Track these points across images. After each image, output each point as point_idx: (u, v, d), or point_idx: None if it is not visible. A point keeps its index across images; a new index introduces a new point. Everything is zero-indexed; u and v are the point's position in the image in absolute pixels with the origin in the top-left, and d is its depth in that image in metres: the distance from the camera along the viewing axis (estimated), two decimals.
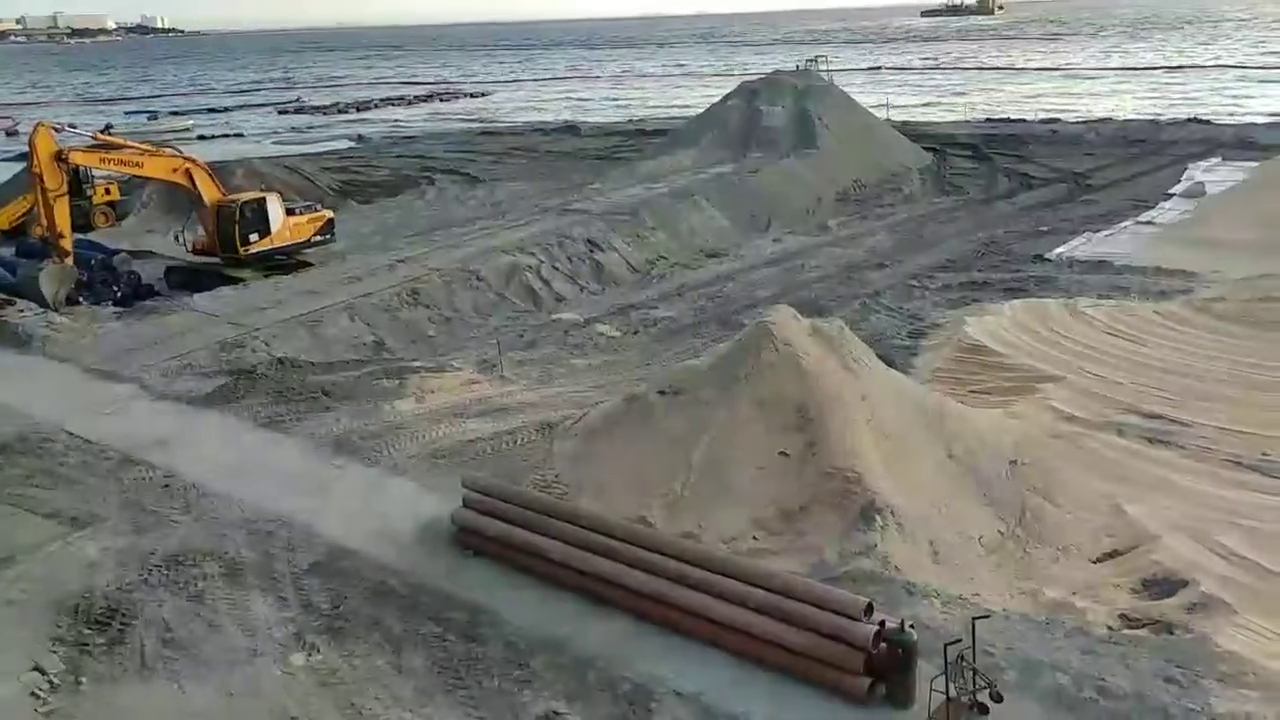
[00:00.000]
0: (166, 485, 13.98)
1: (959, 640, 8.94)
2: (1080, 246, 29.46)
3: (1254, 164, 38.77)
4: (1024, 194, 38.82)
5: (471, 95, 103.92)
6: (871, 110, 50.67)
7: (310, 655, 10.24)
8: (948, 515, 12.20)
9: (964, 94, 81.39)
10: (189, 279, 27.53)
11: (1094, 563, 12.02)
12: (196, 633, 10.66)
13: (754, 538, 11.81)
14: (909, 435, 13.11)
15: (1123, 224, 31.96)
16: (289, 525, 12.66)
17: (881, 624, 8.97)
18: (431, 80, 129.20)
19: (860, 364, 13.72)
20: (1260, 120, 54.21)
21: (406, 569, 11.63)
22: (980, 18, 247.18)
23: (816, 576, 10.50)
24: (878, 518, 11.51)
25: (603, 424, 14.39)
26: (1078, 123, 55.95)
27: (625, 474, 13.19)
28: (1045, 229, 32.32)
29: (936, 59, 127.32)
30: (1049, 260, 28.19)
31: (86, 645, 10.48)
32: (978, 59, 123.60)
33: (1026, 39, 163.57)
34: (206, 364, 19.81)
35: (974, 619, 9.29)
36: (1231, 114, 58.80)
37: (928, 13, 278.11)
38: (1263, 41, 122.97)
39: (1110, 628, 10.33)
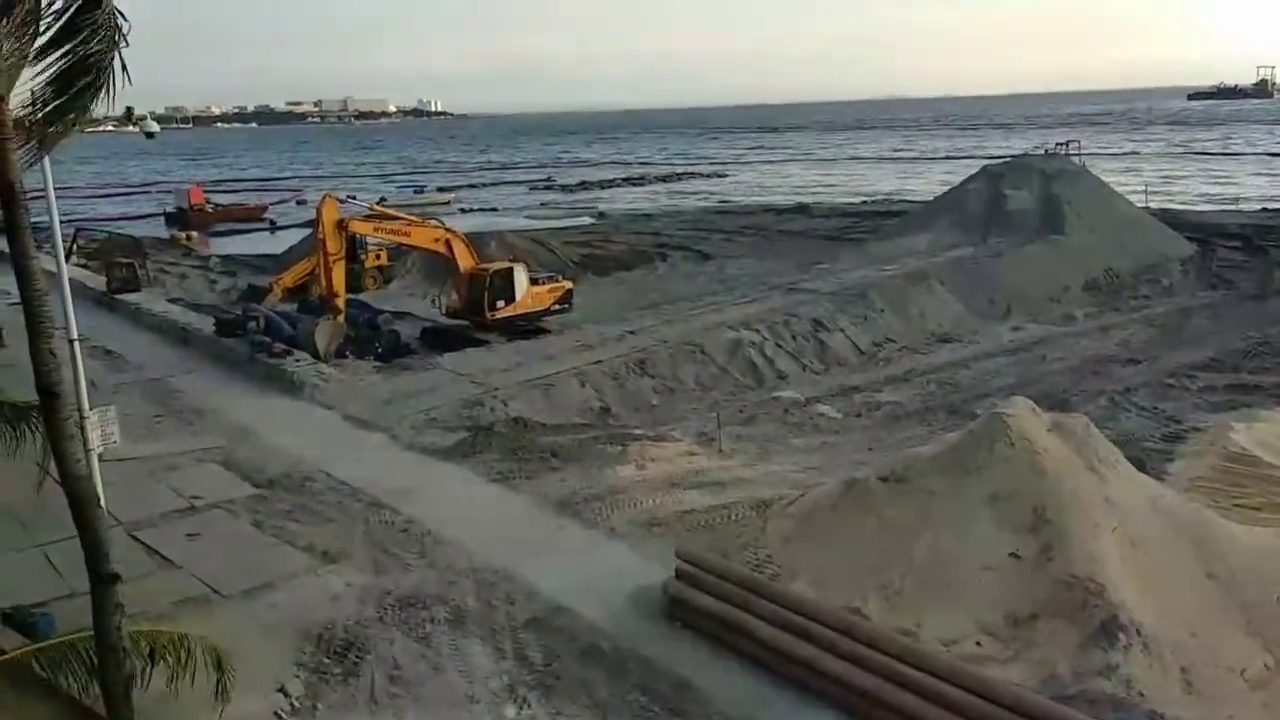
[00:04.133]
0: (406, 530, 14.99)
1: None
2: None
3: None
4: None
5: (707, 175, 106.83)
6: (1128, 197, 47.66)
7: (521, 709, 10.56)
8: (1204, 641, 10.95)
9: (1235, 182, 74.90)
10: (440, 339, 29.64)
11: None
12: (421, 673, 11.27)
13: (977, 643, 11.08)
14: (1161, 548, 11.95)
15: None
16: (510, 579, 13.21)
17: None
18: (673, 160, 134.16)
19: (1107, 465, 12.70)
20: None
21: (617, 633, 11.80)
22: (1258, 101, 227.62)
23: (1047, 694, 9.72)
24: (1121, 635, 10.52)
25: (820, 507, 14.08)
26: None
27: (840, 561, 12.80)
28: None
29: (1206, 144, 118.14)
30: None
31: (325, 673, 11.31)
32: (1255, 144, 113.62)
33: None
34: (449, 419, 21.15)
35: None
36: None
37: (1195, 95, 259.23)
38: None
39: None
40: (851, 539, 12.99)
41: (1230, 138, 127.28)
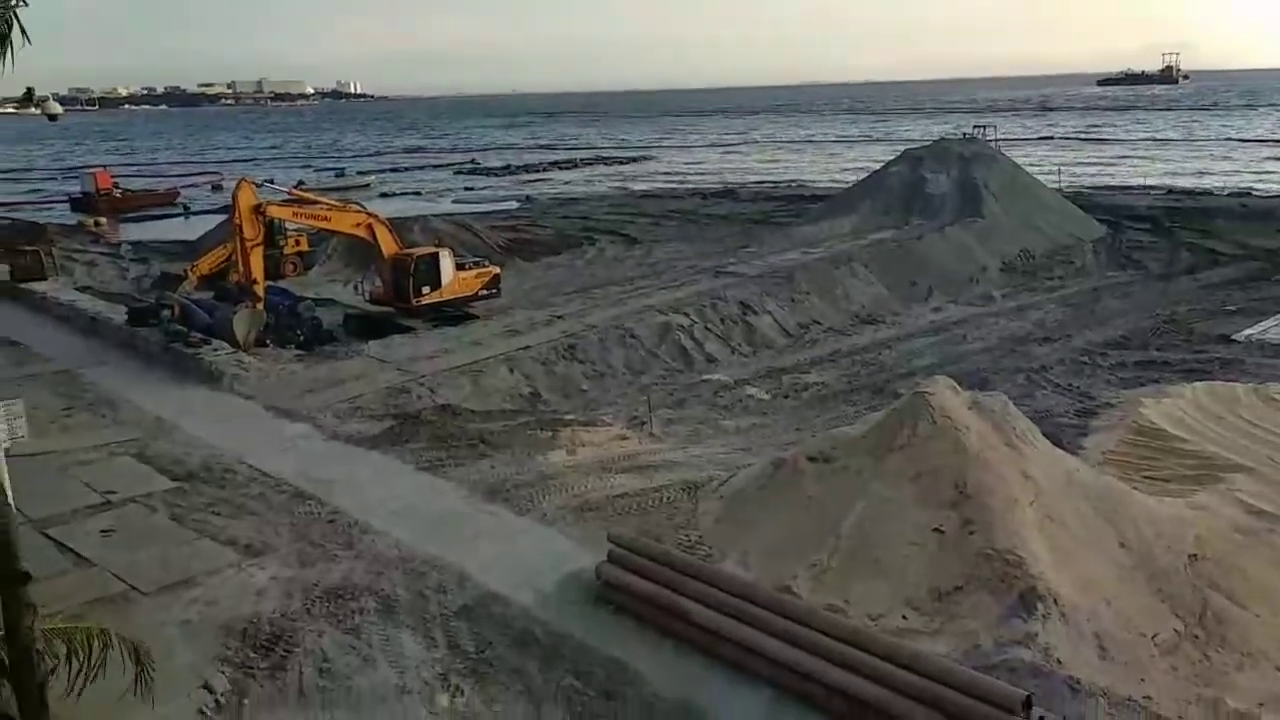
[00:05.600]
0: (332, 521, 14.72)
1: None
2: (1273, 329, 27.38)
3: None
4: (1209, 270, 36.54)
5: (634, 159, 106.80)
6: (1041, 180, 49.05)
7: (455, 697, 10.47)
8: (1118, 608, 11.38)
9: (1142, 165, 77.68)
10: (365, 326, 29.15)
11: None
12: (351, 665, 11.09)
13: (903, 616, 11.34)
14: (1077, 520, 12.37)
15: None
16: (441, 567, 13.07)
17: None
18: (597, 145, 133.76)
19: (1024, 441, 13.09)
20: None
21: (550, 619, 11.77)
22: (1163, 87, 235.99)
23: (970, 663, 9.99)
24: (1040, 605, 10.86)
25: (749, 487, 14.24)
26: (1271, 196, 52.42)
27: (770, 540, 12.97)
28: (1232, 308, 30.27)
29: (1114, 128, 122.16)
30: (1236, 341, 26.34)
31: (251, 669, 11.05)
32: (1160, 128, 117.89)
33: (1214, 109, 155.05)
34: (375, 407, 20.83)
35: None
36: None
37: (1105, 81, 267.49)
38: None
39: None
40: (781, 518, 13.16)
41: (1138, 122, 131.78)
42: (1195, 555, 12.46)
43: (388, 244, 29.58)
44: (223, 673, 10.94)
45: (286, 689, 10.73)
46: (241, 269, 27.27)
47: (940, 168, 44.48)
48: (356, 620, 11.94)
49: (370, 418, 19.99)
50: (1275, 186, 57.98)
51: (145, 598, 12.60)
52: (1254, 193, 54.72)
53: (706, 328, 28.59)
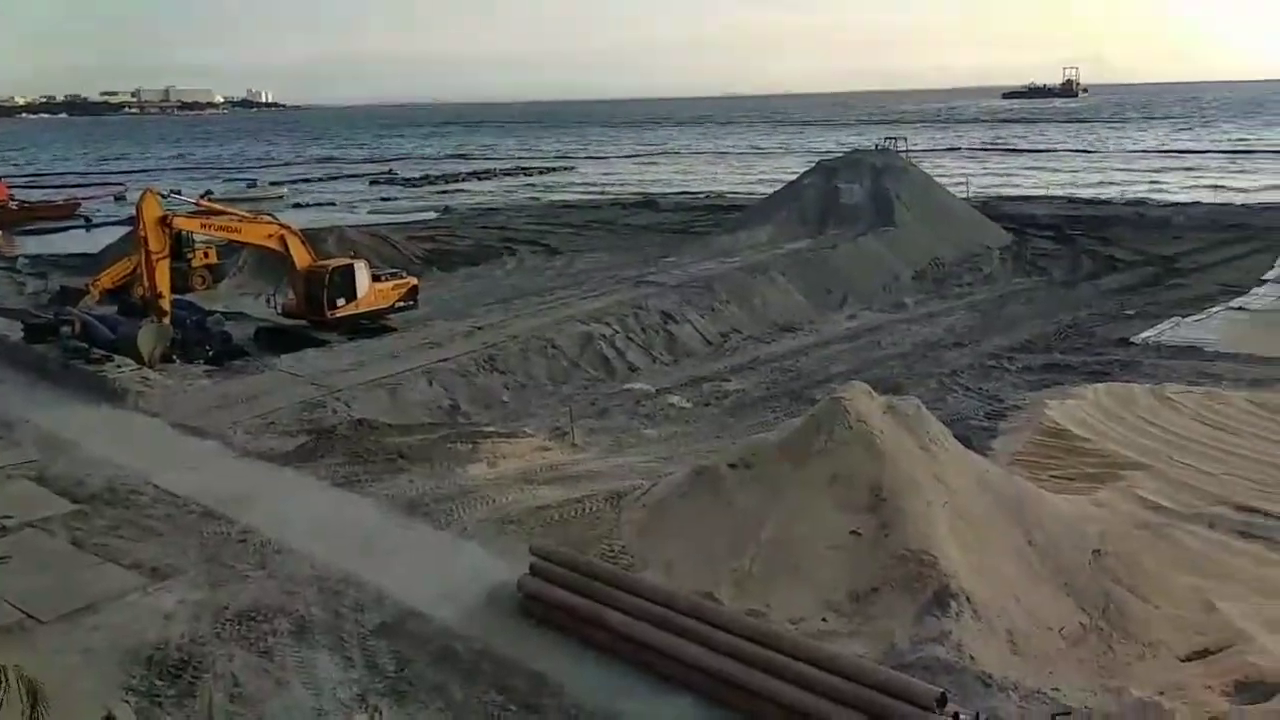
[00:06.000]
0: (243, 540, 14.29)
1: None
2: (1168, 331, 28.64)
3: None
4: (1108, 276, 38.05)
5: (553, 169, 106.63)
6: (951, 190, 50.50)
7: (373, 718, 10.25)
8: (1027, 604, 11.74)
9: (1045, 175, 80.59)
10: (277, 340, 28.44)
11: (1183, 661, 11.40)
12: (264, 689, 10.77)
13: (823, 619, 11.51)
14: (987, 519, 12.73)
15: (1213, 309, 31.02)
16: (358, 585, 12.80)
17: (955, 716, 8.64)
18: (515, 155, 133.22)
19: (937, 444, 13.43)
20: None
21: (471, 634, 11.62)
22: (1063, 100, 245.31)
23: (887, 663, 10.18)
24: (953, 603, 11.14)
25: (671, 496, 14.30)
26: (1165, 205, 54.90)
27: (693, 548, 13.04)
28: (1130, 313, 31.56)
29: (1018, 139, 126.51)
30: (1134, 344, 27.46)
31: (158, 696, 10.65)
32: (1061, 140, 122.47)
33: (1110, 122, 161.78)
34: (288, 423, 20.32)
35: (1054, 715, 8.91)
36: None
37: (1010, 94, 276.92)
38: None
39: None
40: (702, 526, 13.24)
41: (1041, 133, 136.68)
42: (1098, 551, 12.94)
43: (301, 256, 28.96)
44: (127, 701, 10.51)
45: (195, 716, 10.37)
46: (146, 283, 26.42)
47: (854, 178, 45.45)
48: (269, 642, 11.61)
49: (283, 434, 19.49)
50: (1168, 196, 60.69)
51: (44, 626, 12.04)
52: (1148, 201, 57.22)
53: (628, 337, 28.66)
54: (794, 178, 50.64)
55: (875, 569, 11.82)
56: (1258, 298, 32.31)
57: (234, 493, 15.98)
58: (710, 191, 74.29)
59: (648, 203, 66.64)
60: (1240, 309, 30.96)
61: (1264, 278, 35.17)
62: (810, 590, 11.88)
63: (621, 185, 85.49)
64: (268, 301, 31.27)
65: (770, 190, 55.55)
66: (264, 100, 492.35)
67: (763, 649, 10.08)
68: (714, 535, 12.97)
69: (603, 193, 78.14)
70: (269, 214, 34.04)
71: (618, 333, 28.57)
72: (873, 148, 52.75)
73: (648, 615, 10.98)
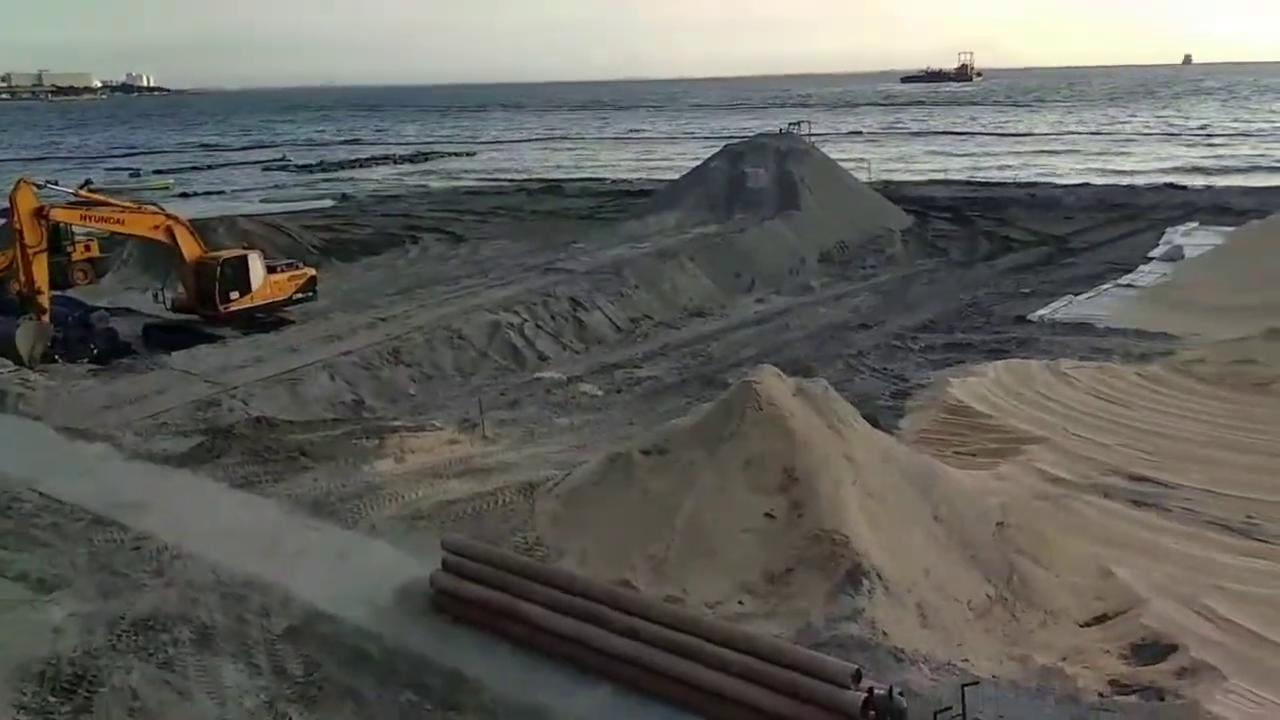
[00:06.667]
0: (138, 548, 13.63)
1: (949, 708, 8.75)
2: (1061, 308, 29.71)
3: (1230, 228, 39.50)
4: (1005, 256, 39.28)
5: (455, 155, 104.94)
6: (852, 173, 51.44)
7: None
8: (935, 578, 12.02)
9: (942, 159, 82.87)
10: (167, 337, 27.32)
11: (1083, 627, 11.84)
12: (165, 700, 10.30)
13: (739, 602, 11.58)
14: (896, 497, 12.98)
15: (1103, 286, 32.29)
16: (263, 589, 12.34)
17: (870, 691, 8.76)
18: (418, 139, 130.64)
19: (846, 424, 13.63)
20: (1235, 184, 55.51)
21: (383, 634, 11.32)
22: (958, 84, 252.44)
23: (803, 642, 10.28)
24: (865, 581, 11.33)
25: (585, 485, 14.19)
26: (1056, 186, 56.98)
27: (608, 536, 12.97)
28: (1026, 291, 32.63)
29: (916, 123, 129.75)
30: (1031, 322, 28.39)
31: (51, 714, 10.10)
32: (956, 123, 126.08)
33: (1003, 105, 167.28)
34: (182, 423, 19.52)
35: (963, 686, 9.10)
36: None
37: (908, 79, 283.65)
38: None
39: (1101, 694, 10.13)
40: (617, 513, 13.18)
41: (935, 117, 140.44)
42: (1002, 523, 13.34)
43: (190, 247, 27.80)
44: None
45: None
46: (23, 278, 25.07)
47: (759, 163, 45.85)
48: (170, 652, 11.10)
49: (177, 434, 18.69)
50: (1058, 178, 63.01)
51: None
52: (1040, 183, 59.32)
53: (537, 325, 28.36)
54: (699, 162, 50.87)
55: (789, 550, 11.94)
56: (1144, 275, 33.78)
57: (125, 498, 15.23)
58: (616, 177, 74.15)
59: (553, 188, 66.16)
60: (1129, 286, 32.32)
61: (1149, 255, 36.78)
62: (726, 573, 11.94)
63: (525, 171, 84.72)
64: (156, 296, 29.93)
65: (676, 175, 55.71)
66: (145, 84, 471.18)
67: (681, 634, 10.07)
68: (629, 522, 12.92)
69: (507, 179, 77.28)
70: (154, 204, 32.62)
71: (526, 321, 28.25)
72: (777, 132, 53.28)
73: (565, 606, 10.86)
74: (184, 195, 68.57)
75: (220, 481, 15.94)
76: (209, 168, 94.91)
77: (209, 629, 11.55)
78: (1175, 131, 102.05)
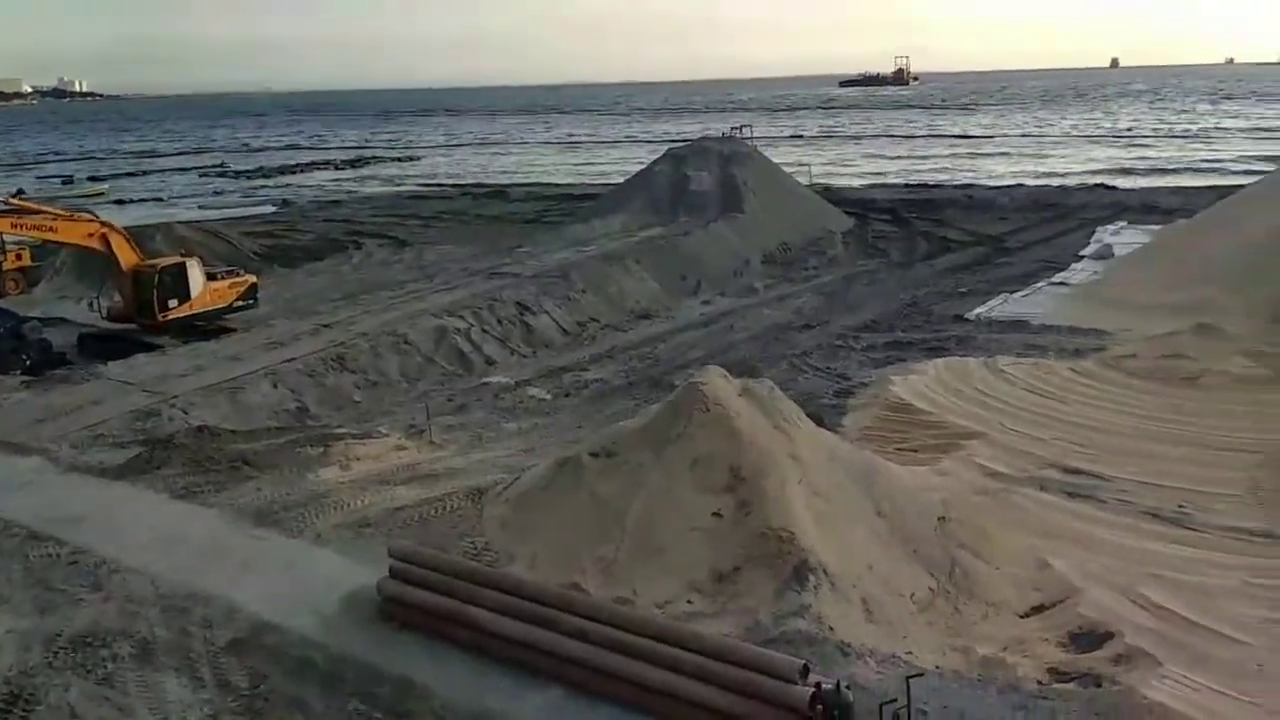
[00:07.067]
0: (75, 562, 13.31)
1: (894, 700, 8.92)
2: (998, 307, 30.38)
3: (1157, 227, 40.71)
4: (943, 257, 40.05)
5: (399, 160, 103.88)
6: (794, 176, 52.02)
7: None
8: (879, 573, 12.24)
9: (881, 160, 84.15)
10: (103, 346, 26.70)
11: (1022, 617, 12.14)
12: (105, 717, 10.08)
13: (688, 601, 11.67)
14: (840, 494, 13.19)
15: (1037, 285, 33.08)
16: (206, 601, 12.13)
17: (818, 686, 8.90)
18: (358, 144, 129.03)
19: (791, 423, 13.81)
20: (1162, 184, 57.26)
21: (330, 643, 11.20)
22: (896, 88, 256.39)
23: (752, 639, 10.41)
24: (811, 577, 11.50)
25: (534, 488, 14.19)
26: (991, 188, 58.19)
27: (557, 539, 12.99)
28: (964, 290, 33.31)
29: (855, 126, 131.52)
30: (968, 320, 28.99)
31: None
32: (893, 126, 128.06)
33: (939, 109, 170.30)
34: (119, 434, 19.11)
35: (908, 678, 9.29)
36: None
37: (846, 83, 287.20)
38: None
39: (1040, 683, 10.41)
40: (567, 516, 13.20)
41: (872, 120, 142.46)
42: (943, 518, 13.62)
43: (126, 255, 27.22)
44: None
45: None
46: None
47: (703, 166, 46.17)
48: (109, 668, 10.87)
49: (115, 445, 18.29)
50: (992, 180, 64.37)
51: None
52: (975, 185, 60.56)
53: (484, 330, 28.24)
54: (641, 166, 51.03)
55: (737, 548, 12.07)
56: (1076, 273, 34.66)
57: (62, 512, 14.85)
58: (560, 181, 74.05)
59: (498, 193, 65.87)
60: (1061, 284, 33.15)
61: (1080, 254, 37.75)
62: (675, 573, 12.04)
63: (470, 175, 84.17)
64: (91, 305, 29.23)
65: (619, 179, 55.83)
66: (78, 89, 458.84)
67: (630, 635, 10.13)
68: (578, 525, 12.95)
69: (450, 183, 76.73)
70: (89, 211, 31.84)
71: (473, 326, 28.12)
72: (720, 136, 53.67)
73: (514, 610, 10.85)
74: (119, 202, 66.97)
75: (160, 493, 15.63)
76: (144, 174, 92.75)
77: (150, 643, 11.33)
78: (1104, 133, 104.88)
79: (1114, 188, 56.42)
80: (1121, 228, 42.75)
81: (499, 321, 28.86)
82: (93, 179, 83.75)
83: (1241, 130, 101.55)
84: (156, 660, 11.02)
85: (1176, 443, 17.98)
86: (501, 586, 11.22)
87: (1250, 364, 21.96)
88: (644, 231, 40.62)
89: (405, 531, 13.82)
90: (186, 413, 20.52)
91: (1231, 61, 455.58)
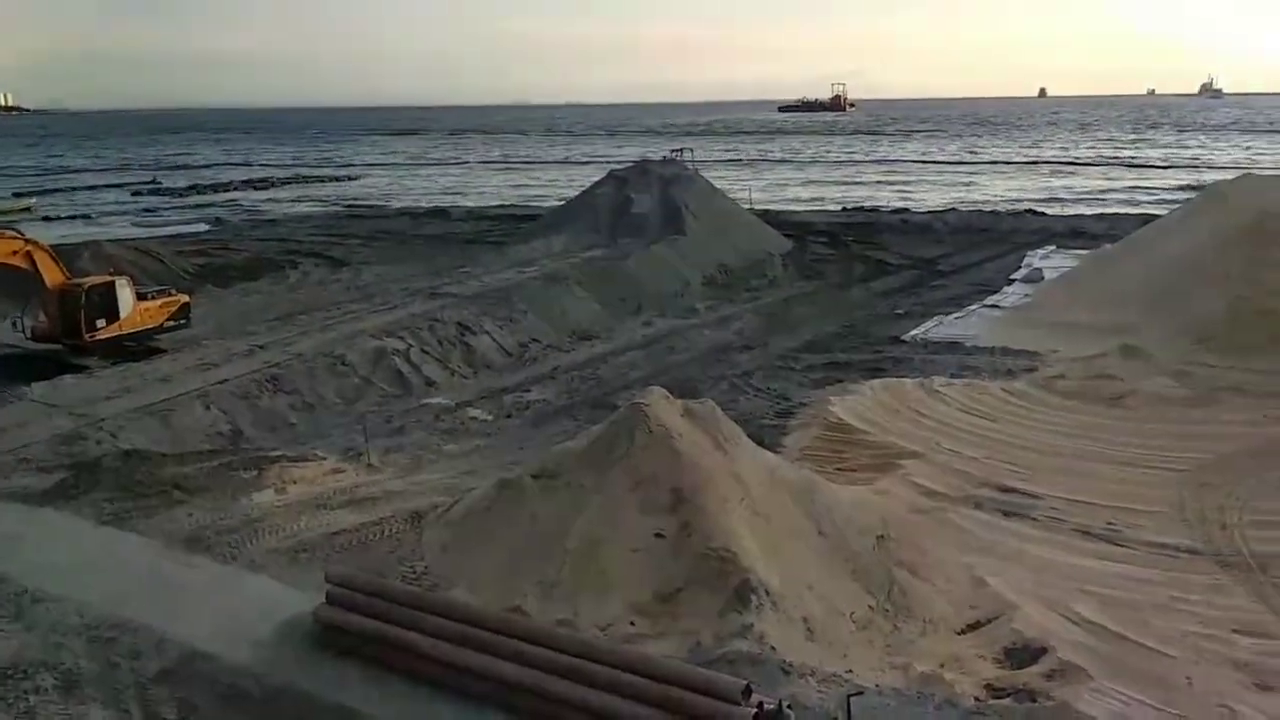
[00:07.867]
0: None
1: (835, 719, 8.99)
2: (933, 329, 31.00)
3: (1084, 251, 42.01)
4: (879, 279, 40.76)
5: (335, 179, 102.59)
6: (734, 198, 52.59)
7: None
8: (820, 592, 12.36)
9: (819, 185, 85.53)
10: (27, 367, 25.80)
11: (959, 634, 12.35)
12: None
13: (631, 623, 11.65)
14: (781, 514, 13.30)
15: (971, 308, 33.83)
16: (134, 631, 11.76)
17: (760, 706, 8.93)
18: (295, 163, 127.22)
19: (732, 444, 13.91)
20: (1088, 211, 59.15)
21: (265, 671, 10.93)
22: (833, 114, 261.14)
23: (694, 660, 10.42)
24: (753, 597, 11.56)
25: (475, 511, 14.07)
26: (925, 212, 59.46)
27: (498, 562, 12.89)
28: (900, 312, 33.93)
29: (793, 151, 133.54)
30: (905, 341, 29.52)
31: None
32: (830, 151, 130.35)
33: (875, 135, 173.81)
34: (44, 458, 18.46)
35: (848, 696, 9.39)
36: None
37: (785, 108, 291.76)
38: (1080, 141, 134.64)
39: (977, 699, 10.58)
40: (508, 539, 13.11)
41: (809, 145, 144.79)
42: (881, 536, 13.81)
43: (52, 273, 26.39)
44: None
45: None
46: None
47: (644, 188, 46.44)
48: (31, 701, 10.48)
49: (38, 470, 17.66)
50: (926, 205, 65.80)
51: None
52: (910, 209, 61.86)
53: (424, 350, 27.93)
54: (582, 188, 51.14)
55: (679, 569, 12.10)
56: (1007, 296, 35.54)
57: None
58: (501, 202, 73.83)
59: (438, 212, 65.36)
60: (994, 306, 33.96)
61: (1011, 277, 38.73)
62: (617, 595, 12.01)
63: (410, 194, 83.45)
64: (15, 325, 28.26)
65: (559, 200, 55.86)
66: (2, 103, 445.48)
67: (572, 658, 10.06)
68: (519, 548, 12.87)
69: (390, 202, 75.99)
70: (13, 229, 30.83)
71: (412, 346, 27.79)
72: (661, 159, 54.07)
73: (454, 635, 10.72)
74: (46, 219, 64.96)
75: (87, 519, 15.15)
76: (72, 190, 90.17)
77: (75, 675, 10.95)
78: (1032, 160, 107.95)
79: (1043, 213, 58.06)
80: (1050, 252, 43.98)
81: (439, 342, 28.58)
82: (18, 194, 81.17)
83: (1161, 160, 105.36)
84: (81, 692, 10.66)
85: (1105, 461, 18.50)
86: (441, 611, 11.08)
87: (1173, 384, 22.74)
88: (585, 253, 40.67)
89: (343, 556, 13.59)
90: (115, 436, 19.91)
91: (1153, 93, 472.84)
